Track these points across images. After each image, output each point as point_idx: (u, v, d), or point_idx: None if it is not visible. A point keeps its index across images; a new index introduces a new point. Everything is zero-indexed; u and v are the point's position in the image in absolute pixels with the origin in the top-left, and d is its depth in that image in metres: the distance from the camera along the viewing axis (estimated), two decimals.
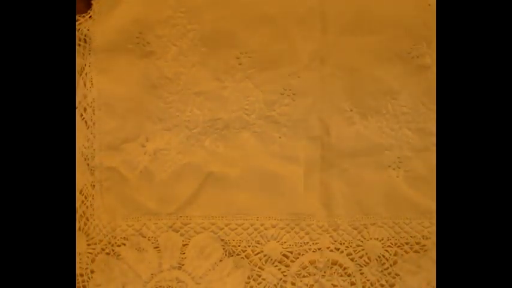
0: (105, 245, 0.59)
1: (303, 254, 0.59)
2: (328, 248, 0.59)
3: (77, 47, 0.60)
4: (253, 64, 0.61)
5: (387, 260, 0.59)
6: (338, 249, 0.59)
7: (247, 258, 0.59)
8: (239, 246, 0.59)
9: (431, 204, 0.60)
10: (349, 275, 0.59)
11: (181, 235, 0.59)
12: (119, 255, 0.58)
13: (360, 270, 0.59)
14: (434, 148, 0.61)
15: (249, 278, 0.58)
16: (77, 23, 0.60)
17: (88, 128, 0.60)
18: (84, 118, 0.60)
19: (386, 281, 0.58)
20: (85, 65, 0.60)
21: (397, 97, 0.61)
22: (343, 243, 0.60)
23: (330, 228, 0.60)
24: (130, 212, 0.60)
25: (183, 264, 0.58)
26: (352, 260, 0.59)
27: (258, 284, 0.58)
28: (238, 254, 0.59)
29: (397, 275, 0.59)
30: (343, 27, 0.61)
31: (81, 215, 0.59)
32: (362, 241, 0.60)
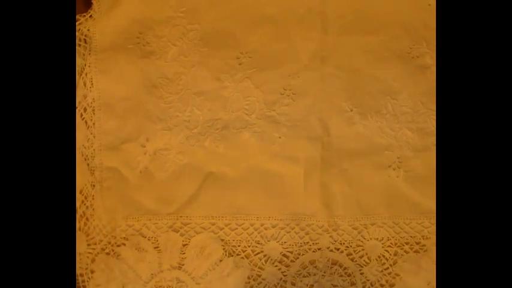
0: (105, 245, 0.59)
1: (303, 254, 0.59)
2: (328, 248, 0.59)
3: (77, 47, 0.60)
4: (253, 64, 0.61)
5: (387, 260, 0.59)
6: (338, 249, 0.59)
7: (247, 258, 0.59)
8: (239, 246, 0.59)
9: (431, 204, 0.60)
10: (349, 275, 0.59)
11: (181, 235, 0.59)
12: (119, 255, 0.58)
13: (360, 270, 0.59)
14: (434, 148, 0.61)
15: (249, 278, 0.58)
16: (77, 22, 0.60)
17: (88, 128, 0.60)
18: (84, 118, 0.60)
19: (387, 281, 0.58)
20: (85, 65, 0.60)
21: (397, 97, 0.61)
22: (343, 243, 0.60)
23: (330, 228, 0.60)
24: (131, 212, 0.60)
25: (183, 264, 0.58)
26: (352, 260, 0.59)
27: (258, 284, 0.58)
28: (238, 254, 0.59)
29: (397, 275, 0.59)
30: (343, 27, 0.61)
31: (81, 215, 0.59)
32: (362, 241, 0.60)
